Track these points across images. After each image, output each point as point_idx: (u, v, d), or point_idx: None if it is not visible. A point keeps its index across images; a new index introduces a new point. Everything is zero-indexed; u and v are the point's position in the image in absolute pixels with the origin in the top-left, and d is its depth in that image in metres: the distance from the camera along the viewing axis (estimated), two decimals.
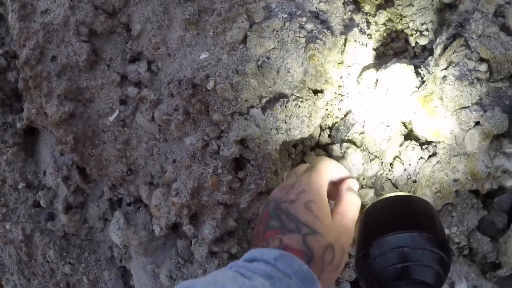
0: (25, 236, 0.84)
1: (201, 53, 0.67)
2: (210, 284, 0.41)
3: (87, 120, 0.77)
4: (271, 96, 0.66)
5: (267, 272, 0.44)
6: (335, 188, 0.59)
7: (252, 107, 0.65)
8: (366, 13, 0.73)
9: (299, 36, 0.64)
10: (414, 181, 0.66)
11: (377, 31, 0.73)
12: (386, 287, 0.47)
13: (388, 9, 0.73)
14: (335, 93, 0.68)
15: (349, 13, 0.70)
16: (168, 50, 0.71)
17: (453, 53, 0.61)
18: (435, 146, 0.64)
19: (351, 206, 0.56)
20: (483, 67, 0.60)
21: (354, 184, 0.60)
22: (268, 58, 0.64)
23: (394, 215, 0.52)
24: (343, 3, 0.70)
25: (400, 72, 0.65)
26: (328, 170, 0.58)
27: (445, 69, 0.62)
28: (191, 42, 0.69)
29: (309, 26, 0.65)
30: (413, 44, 0.72)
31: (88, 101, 0.77)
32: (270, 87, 0.65)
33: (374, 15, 0.73)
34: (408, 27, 0.73)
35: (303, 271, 0.45)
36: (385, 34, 0.73)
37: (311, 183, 0.54)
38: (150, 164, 0.75)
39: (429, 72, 0.64)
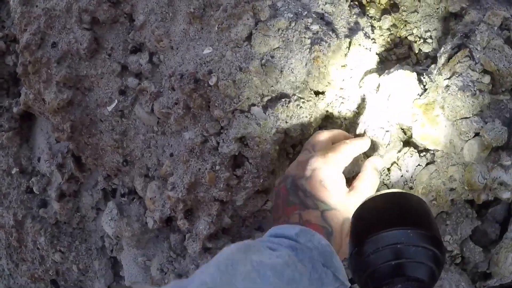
0: (16, 222, 0.82)
1: (205, 48, 0.65)
2: (243, 251, 0.44)
3: (85, 108, 0.75)
4: (273, 95, 0.64)
5: (291, 245, 0.47)
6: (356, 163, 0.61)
7: (254, 105, 0.64)
8: (371, 17, 0.72)
9: (304, 37, 0.63)
10: (411, 188, 0.65)
11: (381, 35, 0.72)
12: (379, 284, 0.47)
13: (393, 14, 0.72)
14: (336, 95, 0.67)
15: (354, 16, 0.69)
16: (171, 42, 0.70)
17: (457, 63, 0.60)
18: (433, 154, 0.64)
19: (370, 186, 0.57)
20: (486, 79, 0.59)
21: (378, 163, 0.61)
22: (272, 57, 0.63)
23: (387, 212, 0.52)
24: (348, 6, 0.69)
25: (403, 78, 0.64)
26: (345, 154, 0.58)
27: (448, 78, 0.61)
28: (195, 36, 0.68)
29: (315, 27, 0.64)
30: (416, 51, 0.71)
31: (87, 90, 0.75)
32: (272, 86, 0.64)
33: (379, 20, 0.72)
34: (412, 33, 0.72)
35: (322, 244, 0.48)
36: (389, 39, 0.72)
37: (327, 161, 0.55)
38: (147, 156, 0.74)
39: (431, 81, 0.63)
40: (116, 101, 0.73)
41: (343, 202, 0.54)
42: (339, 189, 0.55)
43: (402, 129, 0.66)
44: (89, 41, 0.73)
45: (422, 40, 0.71)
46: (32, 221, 0.81)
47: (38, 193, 0.82)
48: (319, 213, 0.52)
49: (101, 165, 0.77)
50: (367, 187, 0.57)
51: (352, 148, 0.59)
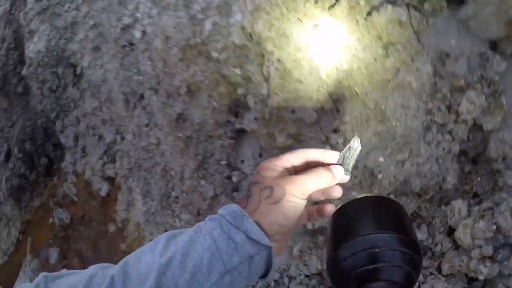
0: (214, 194, 1.36)
1: (380, 156, 1.28)
2: (171, 237, 0.60)
3: None
4: (397, 184, 1.30)
5: (210, 218, 0.61)
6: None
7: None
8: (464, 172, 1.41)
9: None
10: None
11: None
12: None
13: (475, 165, 1.41)
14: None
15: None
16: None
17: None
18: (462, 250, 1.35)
19: (311, 173, 0.63)
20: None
21: (337, 170, 0.66)
22: (403, 163, 1.29)
23: (364, 216, 0.53)
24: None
25: (460, 208, 1.35)
26: (285, 155, 0.67)
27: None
28: (378, 146, 1.30)
29: (434, 168, 1.31)
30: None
31: (300, 142, 1.33)
32: (400, 176, 1.30)
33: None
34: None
35: (234, 210, 0.60)
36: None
37: (263, 163, 0.67)
38: None
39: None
40: None
41: (269, 179, 0.62)
42: (267, 173, 0.63)
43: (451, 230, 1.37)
44: (314, 117, 1.31)
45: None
46: (225, 198, 1.36)
47: (235, 182, 1.37)
48: (247, 188, 0.64)
49: None
50: (307, 174, 0.63)
51: (293, 153, 0.68)
